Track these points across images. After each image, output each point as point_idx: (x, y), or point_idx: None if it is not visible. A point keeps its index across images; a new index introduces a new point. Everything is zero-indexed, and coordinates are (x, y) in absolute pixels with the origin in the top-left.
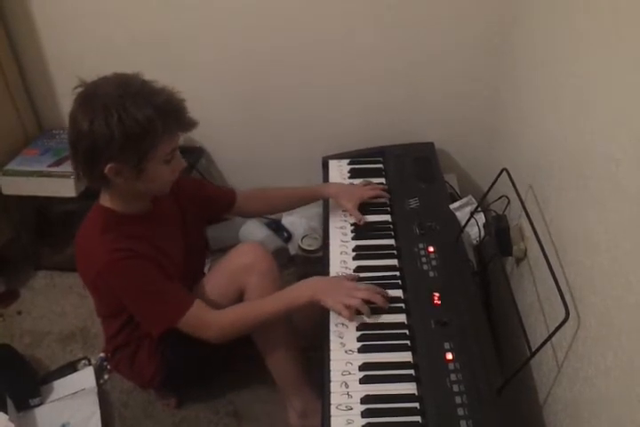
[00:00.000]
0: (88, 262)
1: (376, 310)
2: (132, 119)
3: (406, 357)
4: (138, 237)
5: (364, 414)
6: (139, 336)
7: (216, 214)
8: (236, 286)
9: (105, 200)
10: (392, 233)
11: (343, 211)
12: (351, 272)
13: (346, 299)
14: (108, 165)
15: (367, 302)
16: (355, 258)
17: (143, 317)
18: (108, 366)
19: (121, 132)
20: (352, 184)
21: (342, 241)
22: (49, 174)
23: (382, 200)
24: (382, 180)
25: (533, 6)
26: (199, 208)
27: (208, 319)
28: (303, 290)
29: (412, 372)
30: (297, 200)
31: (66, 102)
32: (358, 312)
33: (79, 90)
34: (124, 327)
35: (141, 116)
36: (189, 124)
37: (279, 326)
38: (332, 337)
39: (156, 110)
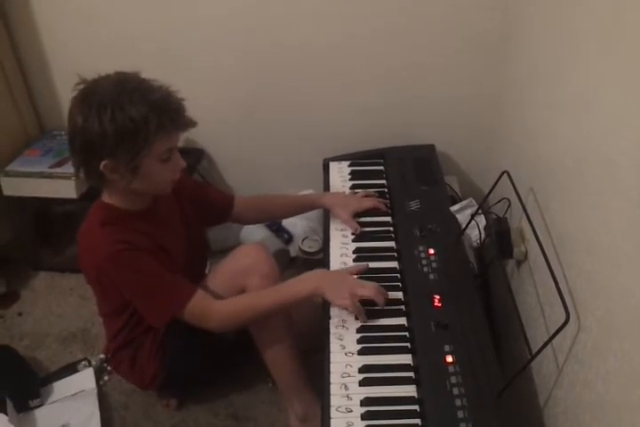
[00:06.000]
0: (90, 256)
1: (376, 313)
2: (125, 116)
3: (406, 359)
4: (139, 232)
5: (364, 416)
6: (140, 335)
7: (213, 220)
8: (237, 286)
9: (106, 197)
10: (392, 235)
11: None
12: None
13: (348, 296)
14: (103, 162)
15: (368, 300)
16: (355, 260)
17: (146, 308)
18: (109, 368)
19: (114, 130)
20: (350, 194)
21: (343, 243)
22: (50, 175)
23: (380, 211)
24: (383, 182)
25: (533, 8)
26: (197, 210)
27: (211, 308)
28: (307, 282)
29: (411, 374)
30: (295, 209)
31: (67, 103)
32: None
33: (80, 87)
34: (125, 327)
35: (135, 113)
36: (186, 124)
37: (278, 320)
38: (332, 339)
39: (152, 108)
